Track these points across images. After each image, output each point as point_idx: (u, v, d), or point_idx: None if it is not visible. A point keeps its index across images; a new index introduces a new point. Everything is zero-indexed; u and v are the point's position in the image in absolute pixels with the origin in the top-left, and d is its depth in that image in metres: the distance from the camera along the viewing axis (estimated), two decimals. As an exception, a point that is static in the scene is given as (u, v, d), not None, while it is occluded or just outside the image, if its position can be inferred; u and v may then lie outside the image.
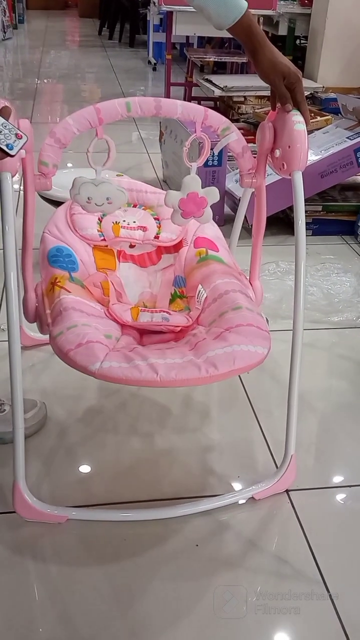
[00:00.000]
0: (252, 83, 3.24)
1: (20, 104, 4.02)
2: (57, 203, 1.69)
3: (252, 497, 1.22)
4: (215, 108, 3.37)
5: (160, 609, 1.02)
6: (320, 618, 1.02)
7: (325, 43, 3.62)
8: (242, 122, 3.20)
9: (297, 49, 4.17)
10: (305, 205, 1.16)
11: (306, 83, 3.46)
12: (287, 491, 1.24)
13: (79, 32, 7.52)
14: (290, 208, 2.08)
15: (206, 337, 1.08)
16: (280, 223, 2.32)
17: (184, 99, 3.73)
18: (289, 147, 1.14)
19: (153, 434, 1.39)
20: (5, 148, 0.95)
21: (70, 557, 1.10)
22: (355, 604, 1.04)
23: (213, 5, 1.11)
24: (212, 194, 1.23)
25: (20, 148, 0.98)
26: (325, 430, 1.45)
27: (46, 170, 1.16)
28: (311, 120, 2.65)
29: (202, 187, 1.21)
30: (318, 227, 2.37)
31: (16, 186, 1.37)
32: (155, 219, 1.41)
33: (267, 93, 1.20)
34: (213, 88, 3.31)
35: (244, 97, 3.30)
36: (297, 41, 4.19)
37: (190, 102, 1.27)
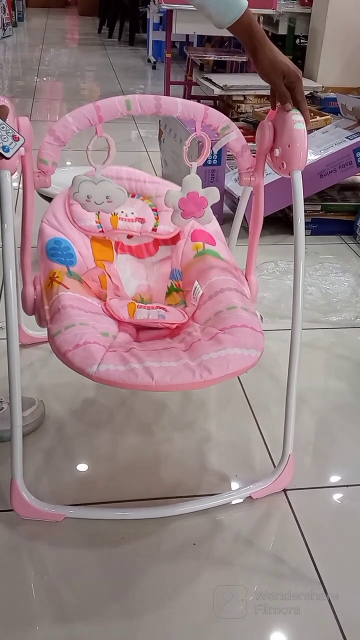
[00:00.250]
0: (251, 82, 3.23)
1: (20, 101, 4.01)
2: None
3: (250, 497, 1.22)
4: (214, 107, 3.35)
5: (157, 608, 1.02)
6: (318, 618, 1.02)
7: (325, 43, 3.62)
8: (242, 121, 3.20)
9: (297, 48, 4.17)
10: (304, 204, 1.16)
11: (306, 82, 3.46)
12: (284, 490, 1.24)
13: (79, 30, 7.51)
14: (290, 207, 2.08)
15: (201, 338, 1.08)
16: (279, 222, 2.32)
17: (184, 98, 3.73)
18: (289, 146, 1.14)
19: (151, 432, 1.39)
20: (0, 150, 0.95)
21: (68, 556, 1.10)
22: (353, 604, 1.04)
23: (213, 4, 1.11)
24: (213, 194, 1.23)
25: (17, 150, 0.97)
26: (323, 429, 1.45)
27: (45, 168, 1.16)
28: (311, 120, 2.64)
29: (202, 187, 1.21)
30: (317, 227, 2.37)
31: (15, 184, 1.37)
32: (153, 210, 1.40)
33: (267, 92, 1.20)
34: (213, 87, 3.31)
35: (244, 96, 3.30)
36: (297, 40, 4.19)
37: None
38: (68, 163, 2.55)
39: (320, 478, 1.30)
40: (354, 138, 2.32)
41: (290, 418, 1.19)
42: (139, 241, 1.40)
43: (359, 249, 2.29)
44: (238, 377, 1.55)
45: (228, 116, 1.22)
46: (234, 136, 1.21)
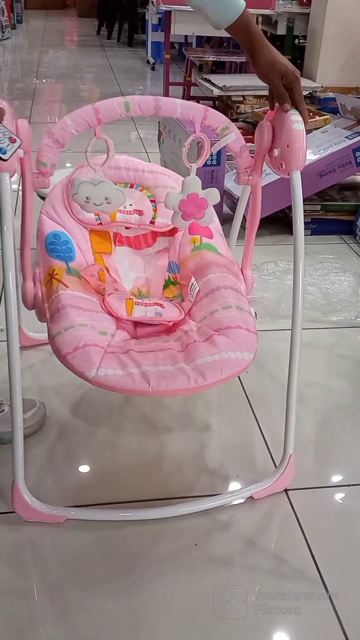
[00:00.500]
0: (250, 82, 3.24)
1: (19, 104, 4.02)
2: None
3: (251, 497, 1.22)
4: (214, 107, 3.36)
5: (160, 608, 1.02)
6: (319, 618, 1.02)
7: (324, 42, 3.62)
8: (241, 121, 3.20)
9: (295, 48, 4.17)
10: (304, 204, 1.16)
11: (305, 82, 3.46)
12: (285, 490, 1.24)
13: (78, 31, 7.51)
14: (289, 207, 2.08)
15: (197, 339, 1.10)
16: (279, 222, 2.32)
17: (183, 99, 3.73)
18: (288, 146, 1.14)
19: (152, 432, 1.39)
20: None
21: (70, 557, 1.10)
22: (354, 604, 1.04)
23: (211, 5, 1.11)
24: (213, 195, 1.23)
25: (14, 152, 0.97)
26: (324, 429, 1.45)
27: (44, 170, 1.16)
28: (310, 120, 2.65)
29: (201, 188, 1.21)
30: (317, 227, 2.37)
31: (15, 186, 1.37)
32: (151, 201, 1.40)
33: (266, 92, 1.20)
34: (212, 87, 3.31)
35: (243, 96, 3.30)
36: (296, 41, 4.19)
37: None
38: (67, 165, 2.55)
39: (321, 478, 1.30)
40: (354, 138, 2.32)
41: (291, 418, 1.19)
42: (137, 232, 1.42)
43: (359, 249, 2.29)
44: (239, 377, 1.55)
45: (227, 116, 1.22)
46: (233, 137, 1.21)
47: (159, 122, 2.77)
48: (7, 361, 1.05)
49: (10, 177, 1.05)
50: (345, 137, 2.35)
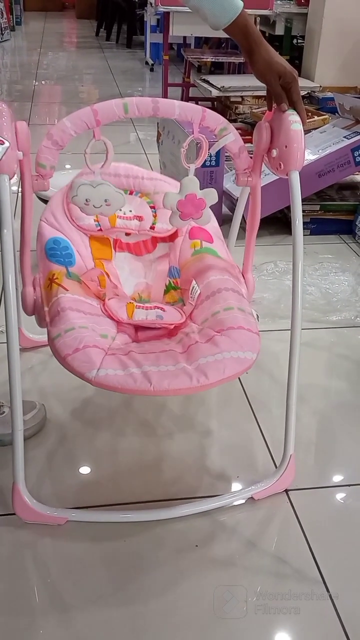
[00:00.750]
0: (249, 83, 3.24)
1: (18, 105, 4.02)
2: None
3: (252, 497, 1.22)
4: (212, 108, 3.36)
5: (160, 609, 1.02)
6: (321, 618, 1.02)
7: (322, 42, 3.62)
8: (240, 122, 3.21)
9: (294, 48, 4.17)
10: (303, 204, 1.16)
11: (303, 82, 3.47)
12: (286, 491, 1.24)
13: (77, 33, 7.52)
14: (288, 208, 2.09)
15: (198, 340, 1.10)
16: (278, 223, 2.32)
17: (182, 100, 3.73)
18: (286, 147, 1.14)
19: (152, 434, 1.39)
20: None
21: (71, 558, 1.10)
22: (356, 604, 1.04)
23: (208, 6, 1.12)
24: (211, 196, 1.23)
25: (3, 154, 0.98)
26: (324, 429, 1.45)
27: (44, 172, 1.16)
28: (308, 120, 2.66)
29: (200, 188, 1.21)
30: (316, 227, 2.37)
31: (14, 188, 1.37)
32: (151, 207, 1.41)
33: (265, 93, 1.20)
34: (210, 88, 3.31)
35: (242, 97, 3.30)
36: (294, 41, 4.19)
37: (187, 102, 1.27)
38: (67, 166, 2.55)
39: (321, 478, 1.30)
40: (352, 137, 2.32)
41: (291, 418, 1.19)
42: (137, 238, 1.41)
43: (358, 248, 2.29)
44: (239, 378, 1.55)
45: (226, 117, 1.22)
46: (231, 138, 1.21)
47: (157, 124, 2.77)
48: (7, 363, 1.05)
49: (10, 179, 1.05)
50: (344, 137, 2.35)
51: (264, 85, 1.16)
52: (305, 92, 3.40)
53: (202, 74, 4.21)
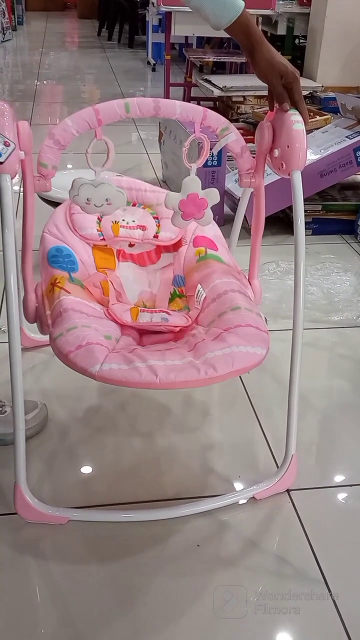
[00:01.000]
0: (251, 83, 3.24)
1: (20, 105, 4.02)
2: (56, 204, 1.69)
3: (253, 497, 1.22)
4: (214, 108, 3.37)
5: (162, 609, 1.02)
6: (322, 618, 1.02)
7: (324, 42, 3.62)
8: (242, 122, 3.20)
9: (296, 48, 4.17)
10: (305, 204, 1.16)
11: (305, 82, 3.46)
12: (288, 491, 1.24)
13: (78, 33, 7.52)
14: (290, 208, 2.09)
15: (205, 338, 1.08)
16: (280, 223, 2.32)
17: (184, 100, 3.74)
18: (288, 146, 1.14)
19: (154, 434, 1.39)
20: None
21: (72, 558, 1.10)
22: (357, 604, 1.04)
23: (210, 6, 1.11)
24: (212, 195, 1.23)
25: (8, 156, 0.98)
26: (326, 429, 1.45)
27: (45, 172, 1.16)
28: (310, 120, 2.65)
29: (202, 188, 1.21)
30: (318, 227, 2.37)
31: (16, 188, 1.37)
32: (154, 217, 1.41)
33: (266, 93, 1.20)
34: (212, 88, 3.31)
35: (243, 97, 3.30)
36: (296, 41, 4.19)
37: (189, 102, 1.27)
38: (69, 166, 2.55)
39: (323, 478, 1.30)
40: (354, 137, 2.32)
41: (292, 418, 1.19)
42: (141, 249, 1.40)
43: (360, 249, 2.29)
44: (240, 378, 1.55)
45: (228, 117, 1.22)
46: (232, 137, 1.21)
47: (159, 123, 2.77)
48: (9, 362, 1.05)
49: (11, 179, 1.06)
50: (346, 137, 2.35)
51: (265, 85, 1.16)
52: (307, 92, 3.40)
53: (204, 74, 4.22)
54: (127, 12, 6.34)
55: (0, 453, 1.28)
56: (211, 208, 1.25)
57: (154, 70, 5.41)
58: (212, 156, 2.21)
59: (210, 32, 3.36)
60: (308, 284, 1.93)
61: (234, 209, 2.20)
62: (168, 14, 3.54)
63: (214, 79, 3.48)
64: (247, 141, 1.25)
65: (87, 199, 1.19)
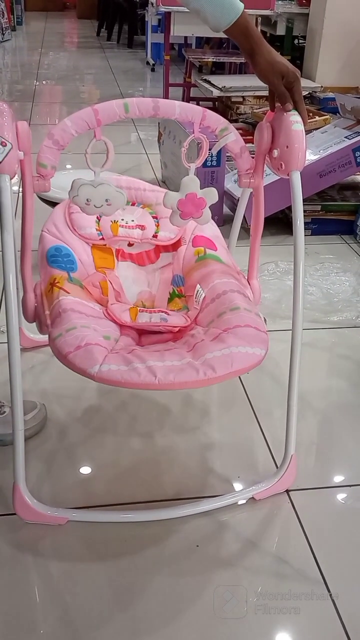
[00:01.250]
0: (250, 83, 3.24)
1: (19, 105, 4.02)
2: (55, 204, 1.69)
3: (253, 497, 1.22)
4: (213, 108, 3.37)
5: (161, 609, 1.02)
6: (321, 618, 1.02)
7: (324, 43, 3.62)
8: (241, 122, 3.20)
9: (295, 48, 4.18)
10: (304, 205, 1.16)
11: (304, 83, 3.46)
12: (287, 491, 1.24)
13: (78, 33, 7.52)
14: (289, 208, 2.09)
15: (204, 339, 1.08)
16: (280, 223, 2.32)
17: (183, 100, 3.73)
18: (287, 147, 1.14)
19: (153, 434, 1.39)
20: None
21: (71, 559, 1.10)
22: (356, 604, 1.04)
23: (209, 8, 1.11)
24: (211, 195, 1.22)
25: (5, 156, 0.98)
26: (325, 429, 1.45)
27: (45, 172, 1.16)
28: (310, 120, 2.66)
29: (200, 188, 1.21)
30: (317, 227, 2.37)
31: (15, 188, 1.37)
32: (153, 217, 1.41)
33: (266, 93, 1.20)
34: (211, 88, 3.32)
35: (243, 97, 3.30)
36: (295, 41, 4.19)
37: (188, 102, 1.27)
38: (68, 166, 2.55)
39: (322, 478, 1.30)
40: (353, 137, 2.32)
41: (292, 418, 1.19)
42: (140, 249, 1.40)
43: (360, 249, 2.30)
44: (240, 378, 1.55)
45: (227, 117, 1.22)
46: (232, 137, 1.21)
47: (159, 124, 2.77)
48: (8, 363, 1.05)
49: (10, 179, 1.05)
50: (345, 137, 2.35)
51: (265, 85, 1.16)
52: (307, 93, 3.40)
53: (203, 74, 4.22)
54: (127, 12, 6.34)
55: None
56: (210, 208, 1.25)
57: (153, 70, 5.41)
58: (212, 156, 2.21)
59: (209, 33, 3.36)
60: (307, 284, 1.93)
61: (233, 209, 2.20)
62: (167, 14, 3.54)
63: (213, 79, 3.48)
64: (246, 141, 1.25)
65: (87, 200, 1.19)
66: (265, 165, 1.26)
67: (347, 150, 2.28)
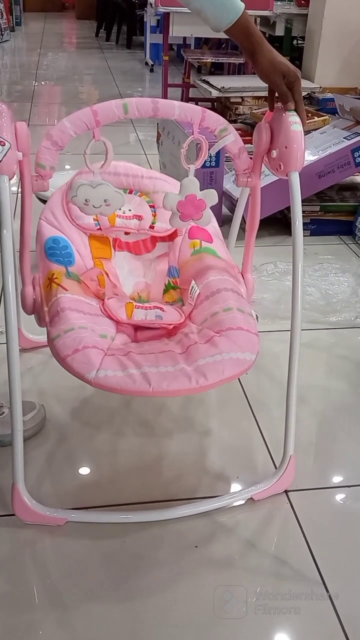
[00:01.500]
0: (249, 84, 3.24)
1: (18, 106, 4.02)
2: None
3: (251, 498, 1.22)
4: (212, 109, 3.37)
5: (160, 610, 1.02)
6: (320, 618, 1.02)
7: (322, 43, 3.62)
8: (240, 122, 3.20)
9: (294, 49, 4.18)
10: (303, 205, 1.16)
11: (303, 83, 3.42)
12: (286, 492, 1.24)
13: (76, 34, 7.52)
14: (288, 209, 2.09)
15: (197, 341, 1.10)
16: (279, 224, 2.32)
17: (182, 100, 3.73)
18: (286, 147, 1.14)
19: (151, 435, 1.39)
20: None
21: (70, 560, 1.10)
22: (355, 604, 1.04)
23: (210, 8, 1.12)
24: (211, 196, 1.23)
25: (4, 156, 0.98)
26: (324, 430, 1.45)
27: (43, 173, 1.16)
28: (308, 121, 2.66)
29: (200, 189, 1.21)
30: (316, 228, 2.37)
31: (14, 188, 1.37)
32: (150, 206, 1.41)
33: (265, 93, 1.20)
34: (210, 89, 3.32)
35: (242, 97, 3.30)
36: (294, 42, 4.19)
37: (187, 103, 1.27)
38: (67, 167, 2.55)
39: (321, 479, 1.30)
40: (352, 138, 2.32)
41: (290, 419, 1.19)
42: (137, 237, 1.42)
43: (358, 249, 2.29)
44: (238, 379, 1.55)
45: (226, 118, 1.22)
46: (231, 138, 1.21)
47: (157, 124, 2.77)
48: (7, 363, 1.05)
49: (9, 179, 1.05)
50: (344, 138, 2.35)
51: (264, 85, 1.16)
52: (306, 93, 3.40)
53: (202, 75, 4.21)
54: (125, 12, 6.34)
55: (-2, 454, 1.28)
56: (209, 209, 1.25)
57: (152, 71, 5.41)
58: (210, 157, 2.21)
59: (208, 33, 3.36)
60: (306, 284, 1.93)
61: (232, 209, 2.20)
62: (166, 15, 3.54)
63: (212, 79, 3.48)
64: (245, 142, 1.25)
65: (86, 200, 1.19)
66: (264, 166, 1.26)
67: (346, 150, 2.28)
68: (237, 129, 1.24)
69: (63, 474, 1.27)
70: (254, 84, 3.20)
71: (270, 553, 1.13)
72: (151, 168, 2.97)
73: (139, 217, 1.39)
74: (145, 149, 3.27)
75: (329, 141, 2.39)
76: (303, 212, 1.16)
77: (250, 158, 1.26)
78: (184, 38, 4.71)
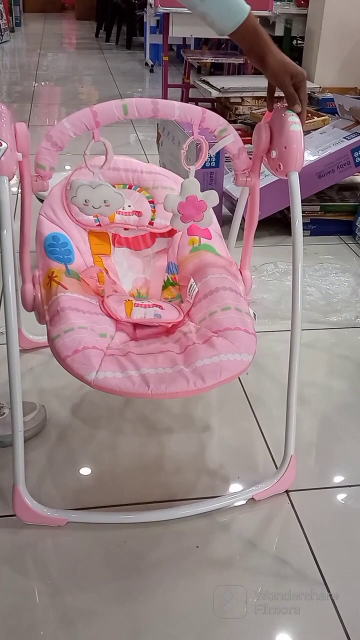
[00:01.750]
0: (249, 84, 3.23)
1: (18, 107, 4.02)
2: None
3: (252, 498, 1.22)
4: (212, 109, 3.36)
5: (161, 610, 1.02)
6: (321, 618, 1.02)
7: (322, 43, 3.62)
8: (240, 123, 3.20)
9: (293, 49, 4.17)
10: (303, 205, 1.16)
11: (303, 83, 3.46)
12: (287, 492, 1.24)
13: (76, 34, 7.53)
14: (288, 209, 2.09)
15: (195, 341, 1.10)
16: (279, 224, 2.32)
17: (181, 101, 3.73)
18: (285, 147, 1.14)
19: (152, 435, 1.39)
20: None
21: (71, 560, 1.10)
22: (356, 604, 1.04)
23: (216, 11, 1.11)
24: (212, 197, 1.23)
25: (1, 155, 0.98)
26: (324, 430, 1.45)
27: (43, 173, 1.16)
28: (308, 121, 2.66)
29: (200, 190, 1.21)
30: (316, 227, 2.37)
31: (14, 189, 1.37)
32: (150, 202, 1.41)
33: (264, 94, 1.20)
34: (210, 89, 3.32)
35: (241, 98, 3.30)
36: (294, 42, 4.19)
37: (187, 103, 1.27)
38: (67, 167, 2.55)
39: (322, 479, 1.30)
40: (352, 138, 2.32)
41: (291, 419, 1.19)
42: (136, 233, 1.42)
43: (359, 249, 2.29)
44: (239, 378, 1.55)
45: (226, 118, 1.22)
46: (230, 139, 1.21)
47: (157, 125, 2.77)
48: (7, 364, 1.05)
49: (9, 180, 1.06)
50: (344, 138, 2.35)
51: (263, 86, 1.16)
52: (305, 93, 3.39)
53: (202, 75, 4.22)
54: (125, 13, 6.34)
55: (-1, 455, 1.28)
56: (211, 209, 1.25)
57: (151, 71, 5.41)
58: (210, 157, 2.21)
59: (208, 34, 3.37)
60: (306, 284, 1.93)
61: (232, 210, 2.20)
62: (166, 15, 3.54)
63: (212, 80, 3.48)
64: (244, 142, 1.25)
65: (85, 201, 1.19)
66: (263, 166, 1.26)
67: (345, 150, 2.28)
68: (237, 129, 1.24)
69: (64, 475, 1.27)
70: (253, 84, 3.20)
71: (271, 553, 1.13)
72: (151, 168, 2.96)
73: (139, 213, 1.39)
74: (145, 150, 3.27)
75: (329, 141, 2.39)
76: (303, 212, 1.16)
77: (250, 158, 1.26)
78: (184, 38, 4.71)
